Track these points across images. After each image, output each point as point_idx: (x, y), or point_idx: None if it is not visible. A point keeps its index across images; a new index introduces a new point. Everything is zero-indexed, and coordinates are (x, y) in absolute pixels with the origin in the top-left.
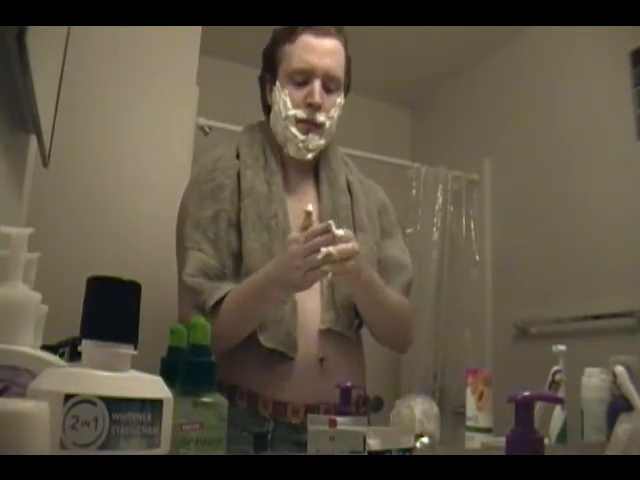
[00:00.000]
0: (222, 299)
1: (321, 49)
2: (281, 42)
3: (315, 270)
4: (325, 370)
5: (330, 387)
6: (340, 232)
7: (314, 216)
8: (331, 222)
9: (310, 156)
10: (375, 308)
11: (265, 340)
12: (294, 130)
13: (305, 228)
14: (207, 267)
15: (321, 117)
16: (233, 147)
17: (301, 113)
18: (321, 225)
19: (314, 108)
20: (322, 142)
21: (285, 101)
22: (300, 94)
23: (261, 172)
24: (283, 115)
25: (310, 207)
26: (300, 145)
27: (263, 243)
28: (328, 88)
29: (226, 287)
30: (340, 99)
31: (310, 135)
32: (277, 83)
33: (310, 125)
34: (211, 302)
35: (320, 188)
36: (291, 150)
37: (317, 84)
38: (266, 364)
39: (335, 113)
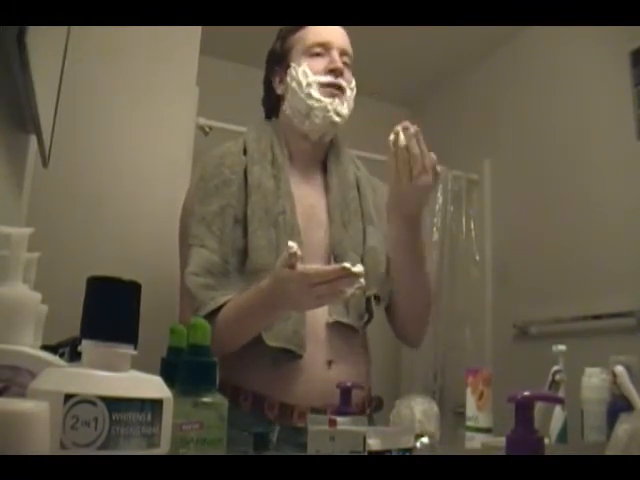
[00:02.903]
0: (219, 308)
1: (334, 29)
2: (291, 34)
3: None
4: (332, 372)
5: (337, 389)
6: (359, 268)
7: (322, 208)
8: (346, 264)
9: (337, 120)
10: (415, 255)
11: (270, 339)
12: (318, 95)
13: (290, 266)
14: (210, 264)
15: (343, 82)
16: (240, 143)
17: (324, 78)
18: (334, 269)
19: (337, 74)
20: (346, 111)
21: (305, 71)
22: (319, 63)
23: (268, 167)
24: (304, 83)
25: (294, 247)
26: (329, 107)
27: (270, 240)
28: (344, 62)
29: (221, 298)
30: (354, 83)
31: (336, 99)
32: (292, 64)
33: (334, 89)
34: (203, 313)
35: (329, 180)
36: (317, 118)
37: (335, 53)
38: (272, 364)
39: (354, 87)
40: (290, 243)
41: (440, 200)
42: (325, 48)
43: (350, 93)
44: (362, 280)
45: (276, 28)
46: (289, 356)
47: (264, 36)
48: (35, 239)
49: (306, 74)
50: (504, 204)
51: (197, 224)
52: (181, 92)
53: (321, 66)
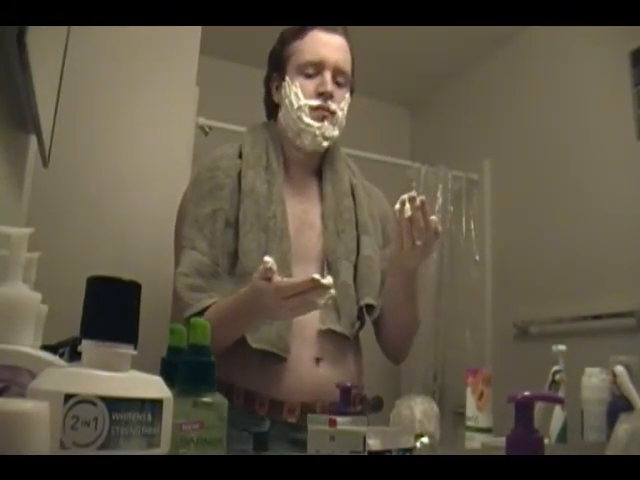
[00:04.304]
0: (204, 309)
1: (331, 44)
2: (290, 40)
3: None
4: (321, 369)
5: (326, 385)
6: (328, 280)
7: (316, 215)
8: (316, 275)
9: (325, 144)
10: (408, 301)
11: (254, 341)
12: (308, 120)
13: (266, 279)
14: (200, 265)
15: (333, 106)
16: (236, 146)
17: (314, 102)
18: (305, 282)
19: (326, 97)
20: (335, 133)
21: (297, 92)
22: (311, 85)
23: (262, 172)
24: (296, 106)
25: (270, 262)
26: (317, 133)
27: (260, 244)
28: (337, 82)
29: (206, 301)
30: (348, 95)
31: (325, 123)
32: (286, 78)
33: (324, 112)
34: (188, 314)
35: (323, 189)
36: (306, 140)
37: (328, 74)
38: (260, 364)
39: (345, 107)
40: (266, 258)
41: (440, 200)
42: (318, 68)
43: (341, 114)
44: (332, 291)
45: (276, 28)
46: (275, 357)
47: (264, 36)
48: (35, 239)
49: (298, 97)
50: (504, 204)
51: (190, 226)
52: (181, 92)
53: (312, 87)
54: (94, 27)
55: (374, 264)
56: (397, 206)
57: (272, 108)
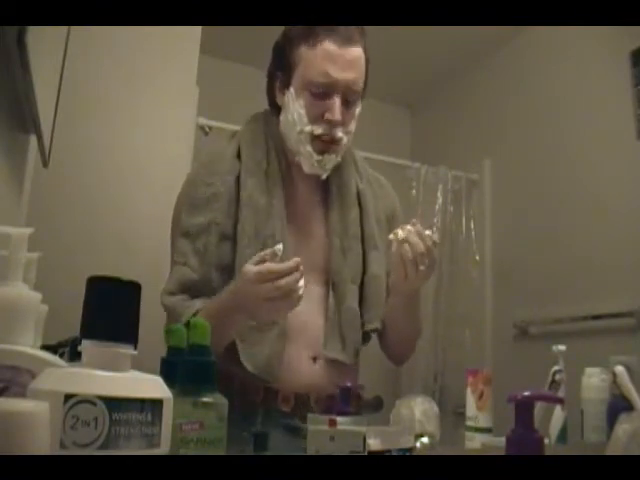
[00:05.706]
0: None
1: (343, 60)
2: (298, 43)
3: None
4: (318, 365)
5: (321, 378)
6: (296, 260)
7: (321, 228)
8: (297, 259)
9: (325, 175)
10: (411, 316)
11: (245, 360)
12: (309, 148)
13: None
14: (190, 282)
15: (339, 133)
16: (233, 145)
17: (318, 129)
18: (288, 265)
19: (333, 125)
20: (338, 159)
21: (300, 113)
22: (318, 109)
23: (262, 178)
24: (298, 129)
25: (280, 249)
26: (315, 164)
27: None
28: (348, 101)
29: (197, 304)
30: (358, 109)
31: (326, 155)
32: (291, 89)
33: (327, 143)
34: (184, 321)
35: (329, 200)
36: (305, 166)
37: (337, 100)
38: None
39: (353, 126)
40: (278, 246)
41: (440, 200)
42: (328, 90)
43: (347, 138)
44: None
45: (276, 28)
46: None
47: (264, 36)
48: (35, 239)
49: (301, 118)
50: (504, 204)
51: (182, 238)
52: (181, 92)
53: (319, 112)
54: (94, 27)
55: (382, 283)
56: (391, 236)
57: (274, 104)
